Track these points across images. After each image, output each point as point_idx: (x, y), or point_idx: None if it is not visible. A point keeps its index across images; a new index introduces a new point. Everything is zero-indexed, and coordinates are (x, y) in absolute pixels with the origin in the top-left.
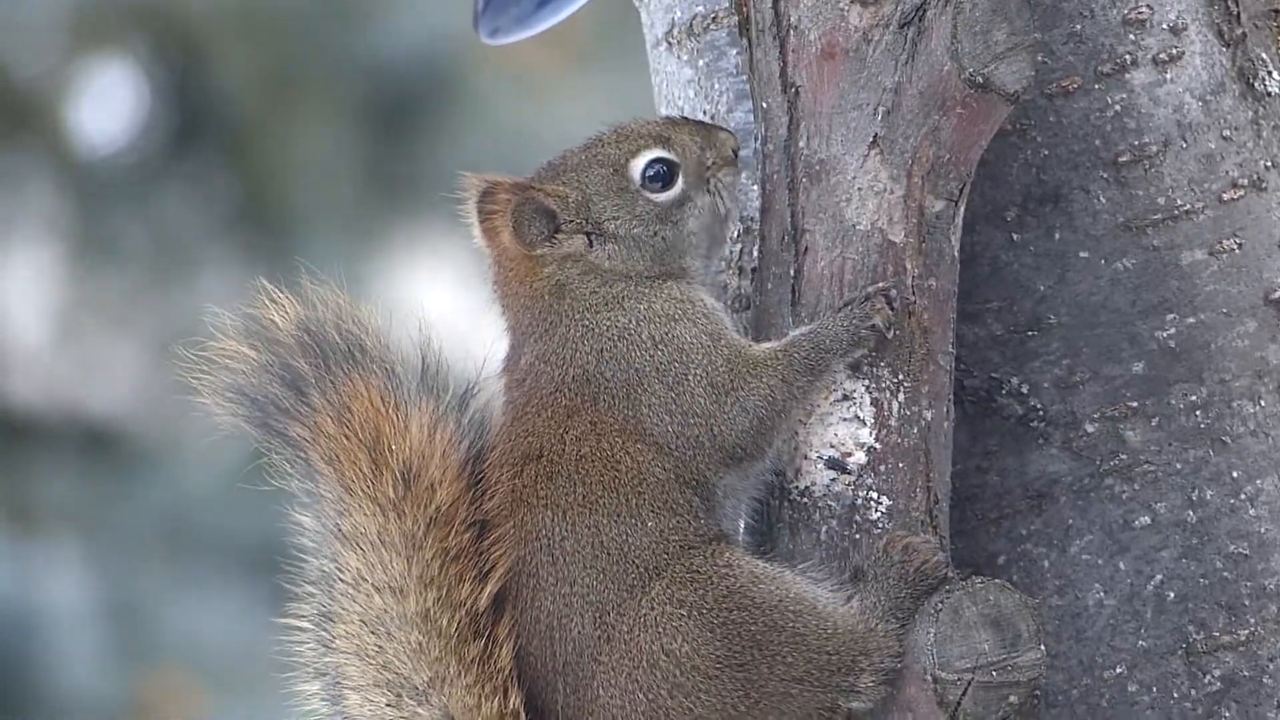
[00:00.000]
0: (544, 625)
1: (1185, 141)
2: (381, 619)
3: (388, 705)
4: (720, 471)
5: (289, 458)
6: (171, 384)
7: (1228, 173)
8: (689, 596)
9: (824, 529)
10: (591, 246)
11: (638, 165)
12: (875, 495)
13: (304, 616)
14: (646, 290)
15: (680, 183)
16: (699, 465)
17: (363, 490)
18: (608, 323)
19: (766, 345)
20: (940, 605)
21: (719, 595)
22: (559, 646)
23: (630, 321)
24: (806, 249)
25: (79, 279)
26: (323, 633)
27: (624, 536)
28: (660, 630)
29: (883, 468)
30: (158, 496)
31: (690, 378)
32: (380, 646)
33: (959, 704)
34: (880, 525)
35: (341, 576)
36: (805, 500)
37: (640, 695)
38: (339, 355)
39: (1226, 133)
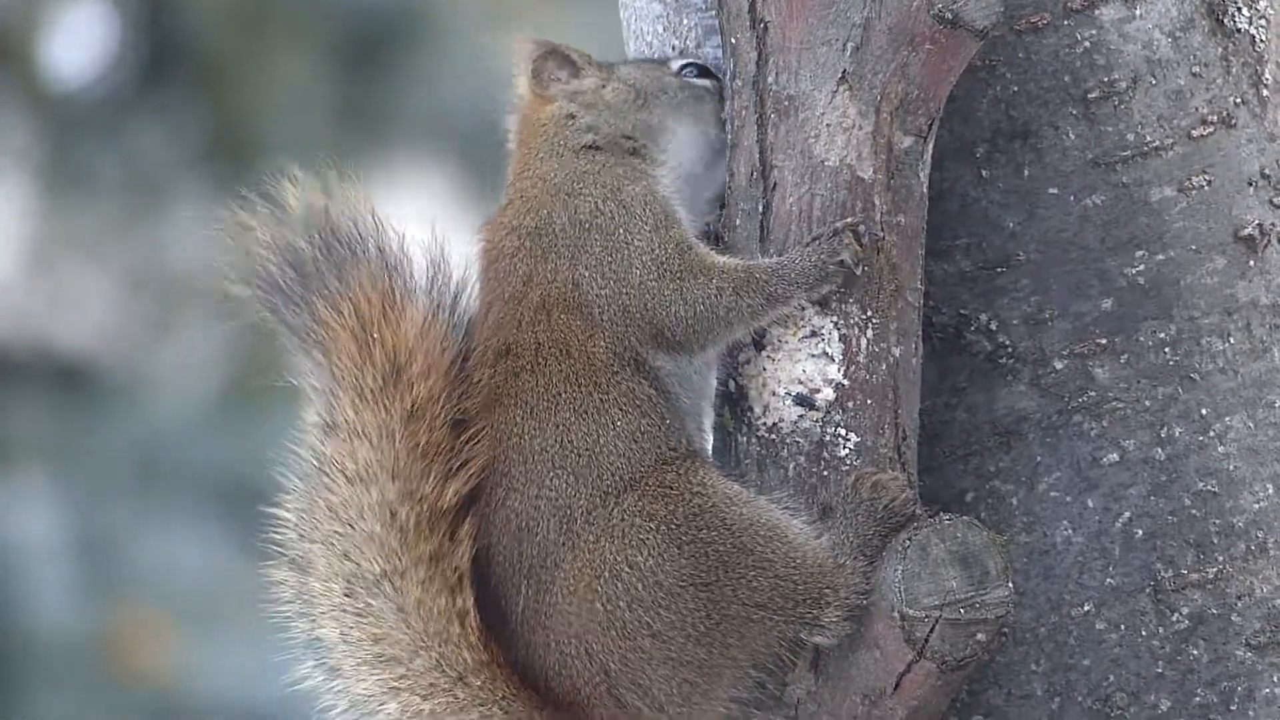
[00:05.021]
0: (512, 526)
1: (1155, 78)
2: (346, 507)
3: (343, 594)
4: (651, 349)
5: (294, 346)
6: (144, 318)
7: (1197, 109)
8: (659, 510)
9: (792, 466)
10: (604, 86)
11: (679, 62)
12: (843, 432)
13: (289, 508)
14: (620, 157)
15: (711, 84)
16: (629, 339)
17: (348, 380)
18: (572, 164)
19: (730, 258)
20: (908, 542)
21: (690, 512)
22: (525, 548)
23: (589, 167)
24: (775, 185)
25: (50, 213)
26: (301, 523)
27: (594, 436)
28: (625, 541)
29: (851, 404)
30: (128, 431)
31: (631, 246)
32: (343, 534)
33: (926, 641)
34: (848, 462)
35: (321, 466)
36: (773, 437)
37: (599, 605)
38: (348, 243)
39: (1196, 69)
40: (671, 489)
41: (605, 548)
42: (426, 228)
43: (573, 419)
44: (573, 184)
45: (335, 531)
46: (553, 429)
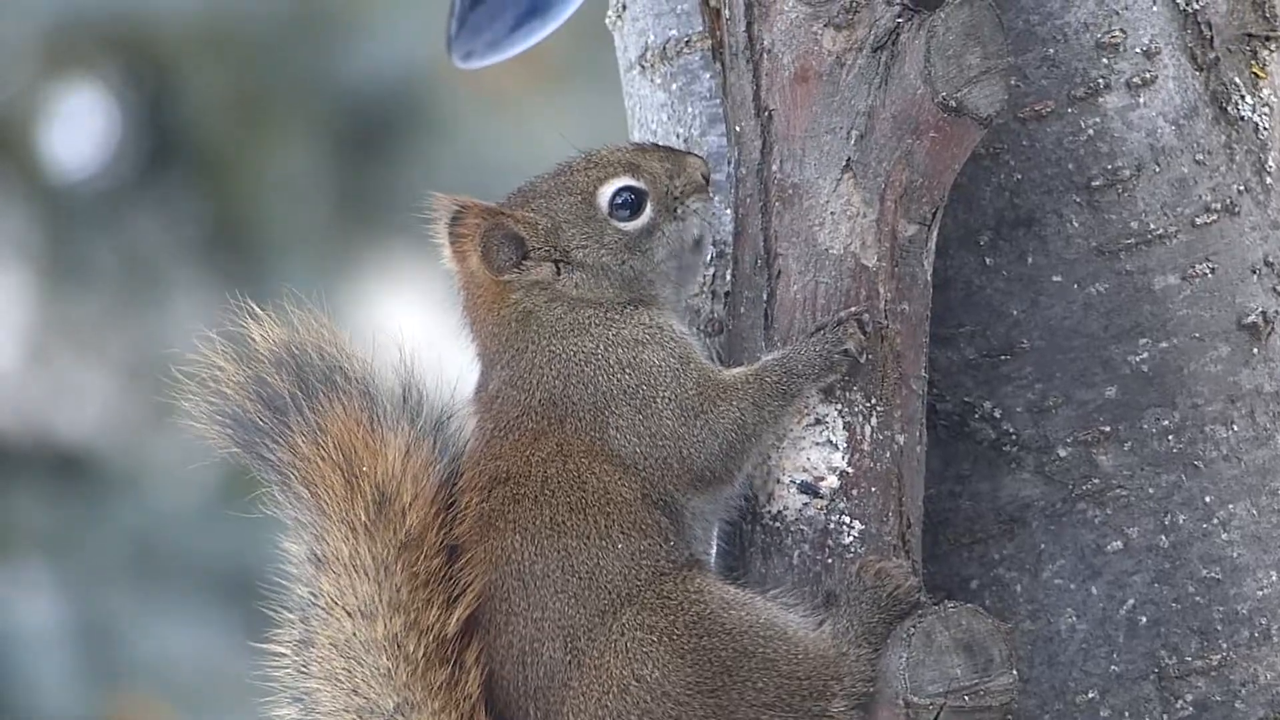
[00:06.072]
0: (516, 650)
1: (1158, 165)
2: (351, 643)
3: None
4: (688, 493)
5: (272, 481)
6: (143, 407)
7: (1201, 197)
8: (659, 622)
9: (796, 553)
10: (559, 275)
11: (605, 194)
12: (848, 520)
13: (283, 642)
14: (615, 317)
15: (648, 211)
16: (667, 486)
17: (336, 513)
18: (574, 348)
19: (737, 370)
20: (913, 630)
21: (689, 621)
22: (530, 671)
23: (597, 346)
24: (779, 273)
25: (50, 303)
26: (299, 658)
27: (595, 560)
28: (631, 656)
29: (855, 492)
30: (128, 520)
31: (658, 400)
32: (350, 671)
33: None
34: (853, 550)
35: (316, 601)
36: (777, 525)
37: None
38: (318, 377)
39: (1200, 157)
40: (670, 599)
41: (611, 664)
42: (398, 350)
43: (576, 544)
44: (581, 365)
45: (343, 668)
46: (555, 554)
